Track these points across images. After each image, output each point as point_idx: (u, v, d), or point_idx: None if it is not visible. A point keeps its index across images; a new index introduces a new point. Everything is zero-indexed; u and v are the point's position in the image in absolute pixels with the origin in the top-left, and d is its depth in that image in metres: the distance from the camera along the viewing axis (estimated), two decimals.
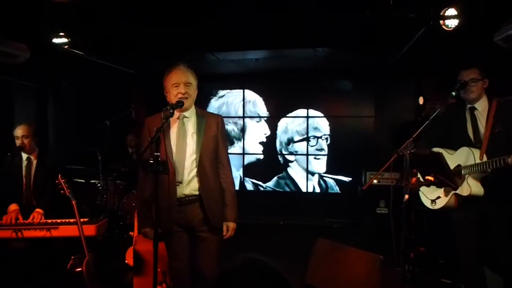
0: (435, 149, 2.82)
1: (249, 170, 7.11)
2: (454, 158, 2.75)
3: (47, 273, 3.19)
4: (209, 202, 2.39)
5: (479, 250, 2.74)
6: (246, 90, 7.08)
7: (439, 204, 2.79)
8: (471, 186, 2.63)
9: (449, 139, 2.85)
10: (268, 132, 7.03)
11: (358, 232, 5.56)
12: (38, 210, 3.27)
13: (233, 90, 7.14)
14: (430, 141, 2.84)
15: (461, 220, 2.80)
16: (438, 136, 2.89)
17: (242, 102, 7.11)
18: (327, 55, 5.49)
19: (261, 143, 7.06)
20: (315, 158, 6.83)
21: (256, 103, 7.07)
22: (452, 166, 2.71)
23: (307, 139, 6.86)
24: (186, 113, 2.42)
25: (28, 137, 3.38)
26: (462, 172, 2.68)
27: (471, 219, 2.73)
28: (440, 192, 2.79)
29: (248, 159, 7.12)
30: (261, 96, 7.06)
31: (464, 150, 2.71)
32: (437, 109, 2.70)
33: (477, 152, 2.63)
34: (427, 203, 2.87)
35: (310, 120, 6.86)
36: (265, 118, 7.04)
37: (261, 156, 7.08)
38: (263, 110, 7.06)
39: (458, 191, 2.68)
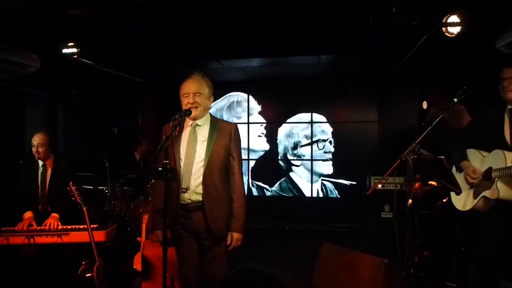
0: (469, 150, 2.78)
1: (253, 174, 7.16)
2: (486, 160, 2.66)
3: (58, 278, 3.25)
4: (212, 211, 2.37)
5: (499, 258, 2.62)
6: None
7: (468, 206, 2.72)
8: (499, 190, 2.52)
9: (486, 140, 2.72)
10: (264, 135, 7.10)
11: (363, 236, 5.59)
12: (53, 214, 3.35)
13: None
14: (467, 142, 2.78)
15: (487, 226, 2.68)
16: (476, 137, 2.78)
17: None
18: (331, 61, 5.55)
19: (263, 146, 7.13)
20: (323, 161, 6.87)
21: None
22: (483, 168, 2.65)
23: (311, 144, 6.89)
24: (198, 121, 2.46)
25: (43, 146, 3.47)
26: (493, 175, 2.58)
27: (497, 225, 2.61)
28: (470, 194, 2.73)
29: (251, 163, 7.19)
30: (263, 101, 7.12)
31: (496, 153, 2.59)
32: (440, 114, 2.68)
33: (510, 156, 2.51)
34: (459, 205, 2.81)
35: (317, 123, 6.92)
36: (265, 124, 7.11)
37: (263, 161, 7.12)
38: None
39: (485, 194, 2.59)
